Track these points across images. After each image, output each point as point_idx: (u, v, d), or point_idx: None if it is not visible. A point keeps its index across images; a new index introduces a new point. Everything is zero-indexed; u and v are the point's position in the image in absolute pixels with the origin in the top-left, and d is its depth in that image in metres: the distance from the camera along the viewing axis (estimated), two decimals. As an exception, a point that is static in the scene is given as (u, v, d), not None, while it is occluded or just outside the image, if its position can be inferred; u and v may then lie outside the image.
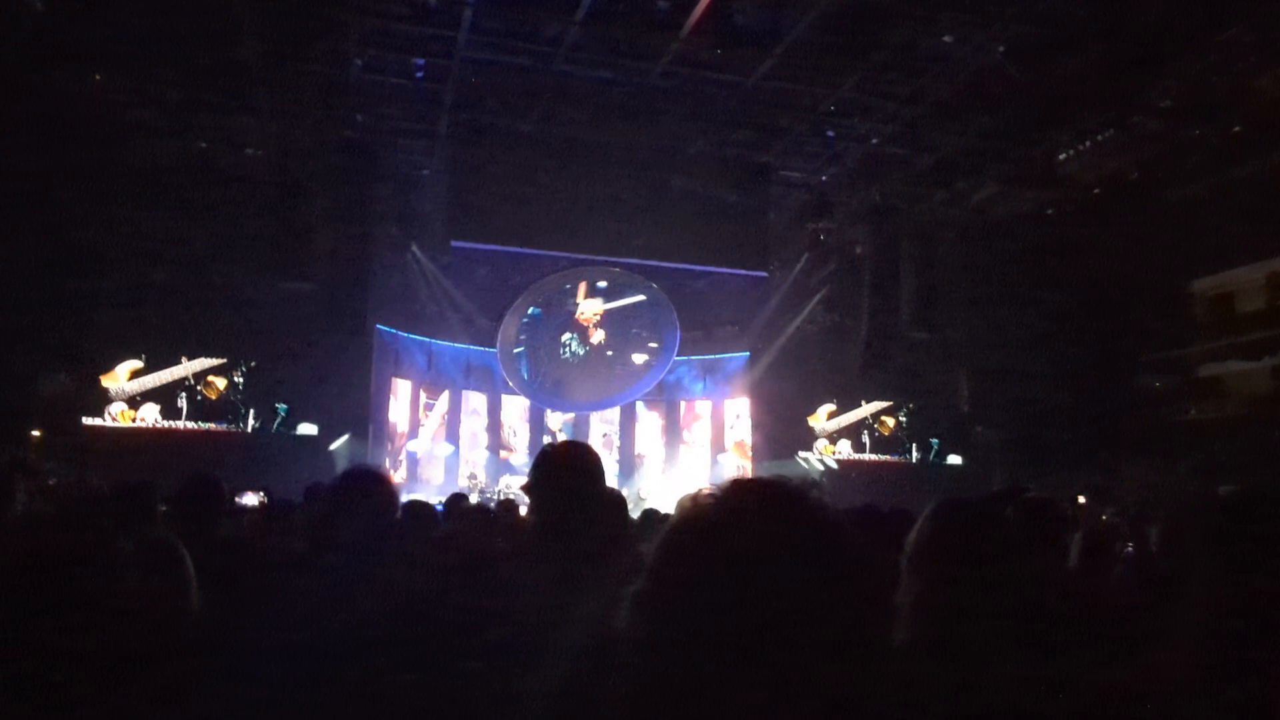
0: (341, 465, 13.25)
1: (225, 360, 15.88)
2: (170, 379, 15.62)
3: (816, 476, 18.25)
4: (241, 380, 15.97)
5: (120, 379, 15.39)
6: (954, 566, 1.60)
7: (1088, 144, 14.29)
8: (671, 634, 0.92)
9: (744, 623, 0.88)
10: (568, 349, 18.60)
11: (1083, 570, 3.33)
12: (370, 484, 2.46)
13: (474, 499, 10.77)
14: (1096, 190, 15.83)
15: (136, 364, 15.50)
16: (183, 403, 15.63)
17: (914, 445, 19.52)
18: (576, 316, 18.59)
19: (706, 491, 1.02)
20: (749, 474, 18.15)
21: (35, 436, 14.04)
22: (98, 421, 15.18)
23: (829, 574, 0.92)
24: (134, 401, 15.42)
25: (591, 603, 1.76)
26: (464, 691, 1.64)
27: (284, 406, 15.93)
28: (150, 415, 15.47)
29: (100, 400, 15.26)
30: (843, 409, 19.36)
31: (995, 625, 1.49)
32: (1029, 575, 1.63)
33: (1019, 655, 1.47)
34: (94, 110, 12.70)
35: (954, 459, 19.39)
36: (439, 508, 5.88)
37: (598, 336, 18.64)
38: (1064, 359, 17.79)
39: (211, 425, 15.70)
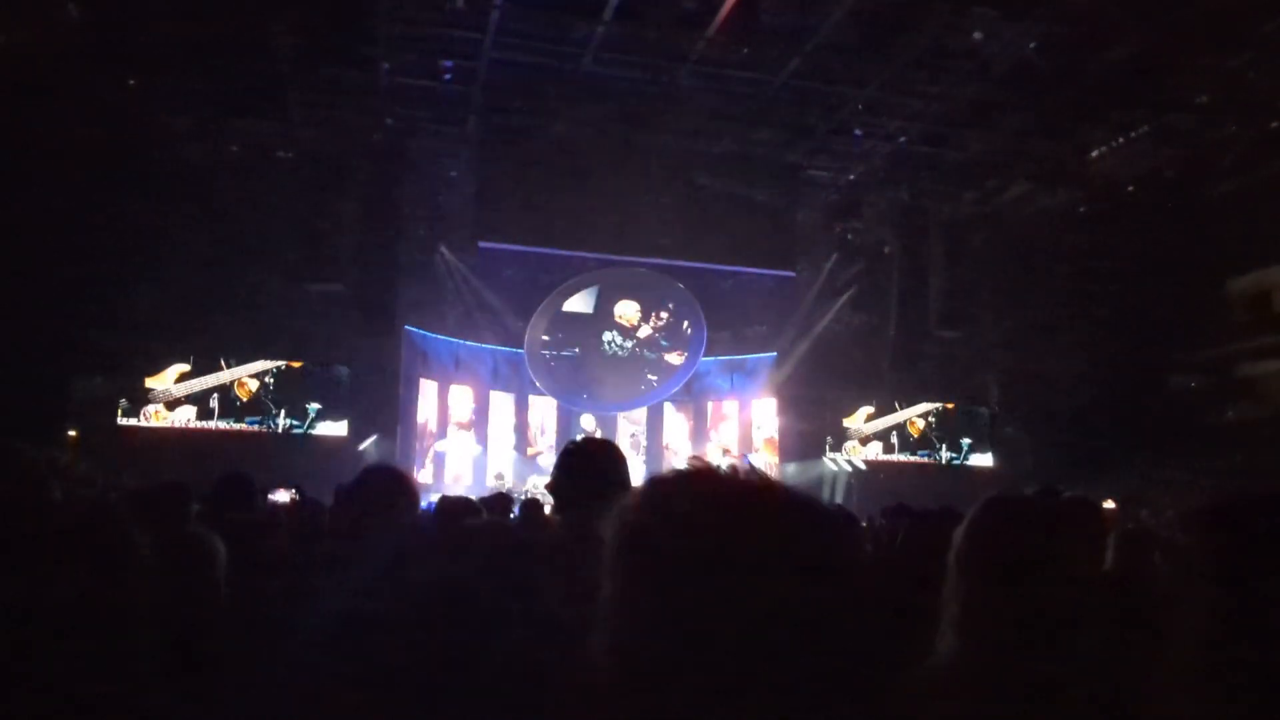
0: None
1: (265, 364, 16.00)
2: (214, 384, 15.77)
3: (846, 475, 18.20)
4: (273, 381, 16.10)
5: (167, 381, 15.58)
6: (1008, 568, 1.51)
7: (1121, 141, 14.08)
8: (645, 663, 0.84)
9: (706, 647, 0.80)
10: (612, 345, 18.62)
11: (1120, 572, 3.27)
12: (388, 482, 2.46)
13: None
14: (1130, 188, 15.60)
15: (184, 367, 15.69)
16: (214, 403, 15.79)
17: (943, 445, 19.31)
18: (616, 320, 18.61)
19: (627, 501, 0.90)
20: (776, 473, 18.13)
21: (71, 437, 14.23)
22: (132, 422, 15.36)
23: (822, 575, 0.84)
24: (173, 404, 15.59)
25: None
26: (480, 689, 1.64)
27: (315, 406, 16.04)
28: (183, 416, 15.64)
29: (138, 401, 15.45)
30: (880, 412, 19.18)
31: (1054, 628, 1.43)
32: (1081, 577, 1.56)
33: (1077, 658, 1.41)
34: (128, 115, 12.87)
35: (983, 460, 19.18)
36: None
37: (643, 332, 18.68)
38: (1096, 359, 17.55)
39: (243, 425, 15.84)
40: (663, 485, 0.91)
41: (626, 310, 18.63)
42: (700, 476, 0.91)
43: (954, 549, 1.61)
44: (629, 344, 18.63)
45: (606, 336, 18.59)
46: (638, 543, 0.88)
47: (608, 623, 0.87)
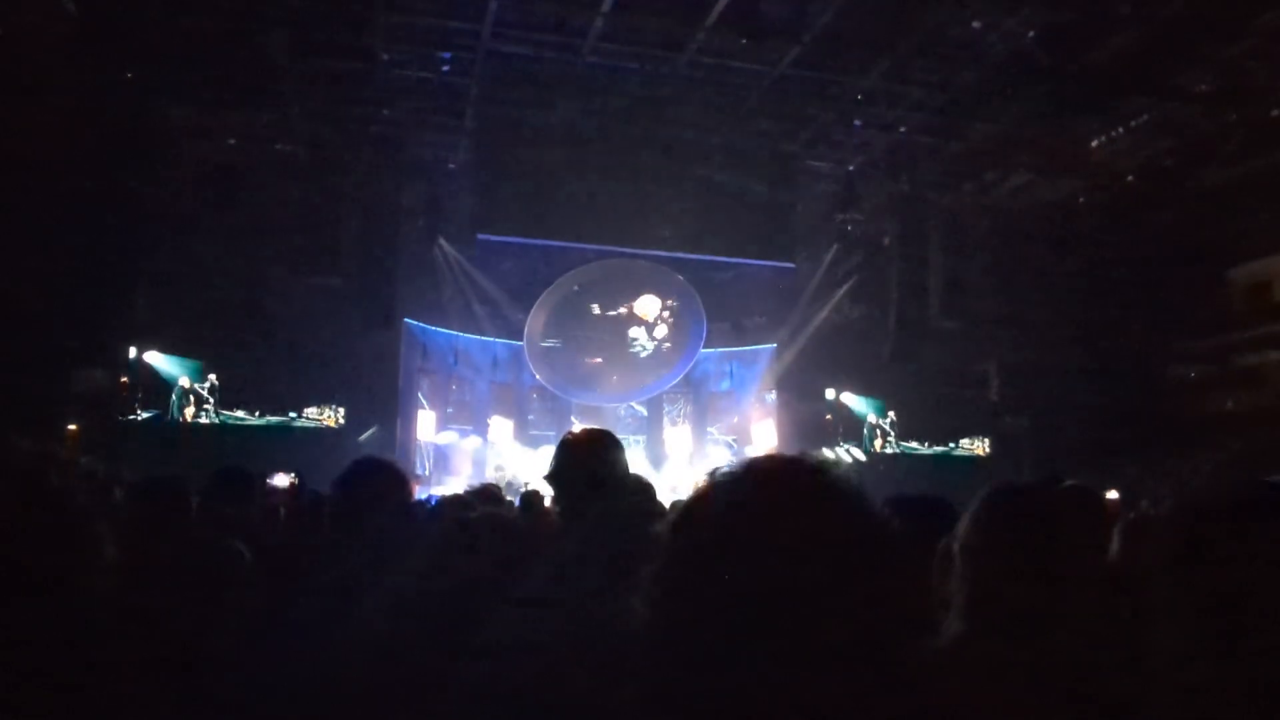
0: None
1: (264, 358, 15.96)
2: (212, 377, 15.78)
3: (844, 466, 18.20)
4: (271, 374, 16.08)
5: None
6: (1015, 556, 1.52)
7: (1121, 130, 14.05)
8: (686, 622, 0.88)
9: (766, 609, 0.84)
10: (638, 344, 18.57)
11: (1124, 561, 3.26)
12: (379, 474, 2.46)
13: (502, 489, 10.78)
14: (1130, 177, 15.58)
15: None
16: (213, 397, 15.78)
17: (942, 436, 19.27)
18: (636, 314, 18.52)
19: (722, 470, 0.97)
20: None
21: (71, 431, 14.22)
22: (131, 417, 15.34)
23: (859, 557, 0.88)
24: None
25: (616, 586, 1.75)
26: (479, 676, 1.64)
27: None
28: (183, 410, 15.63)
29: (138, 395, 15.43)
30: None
31: (1058, 615, 1.44)
32: (1085, 566, 1.57)
33: (1082, 644, 1.42)
34: (126, 110, 12.83)
35: (983, 450, 19.16)
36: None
37: (660, 331, 18.61)
38: (1096, 349, 17.56)
39: (241, 413, 15.85)
40: (752, 471, 0.96)
41: (644, 308, 18.56)
42: (779, 466, 0.97)
43: (960, 538, 1.61)
44: (651, 344, 18.60)
45: (633, 332, 18.54)
46: (708, 518, 0.93)
47: (659, 586, 0.92)
